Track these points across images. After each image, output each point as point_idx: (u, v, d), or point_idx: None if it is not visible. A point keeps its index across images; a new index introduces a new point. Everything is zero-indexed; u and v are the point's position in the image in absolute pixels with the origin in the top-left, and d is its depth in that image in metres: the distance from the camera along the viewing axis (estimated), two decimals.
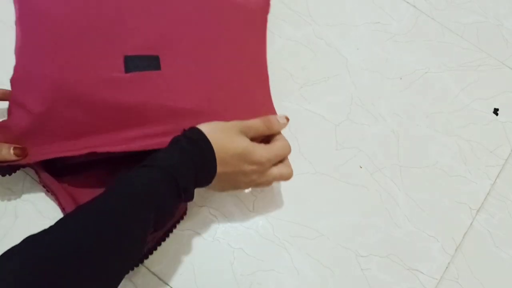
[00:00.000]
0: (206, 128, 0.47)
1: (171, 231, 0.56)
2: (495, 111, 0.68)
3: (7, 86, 0.59)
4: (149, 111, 0.53)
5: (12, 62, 0.59)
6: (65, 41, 0.53)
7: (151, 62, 0.55)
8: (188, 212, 0.58)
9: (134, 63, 0.54)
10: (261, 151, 0.49)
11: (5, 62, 0.62)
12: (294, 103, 0.65)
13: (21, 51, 0.55)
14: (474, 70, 0.70)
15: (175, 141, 0.47)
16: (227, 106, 0.56)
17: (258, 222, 0.59)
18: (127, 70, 0.53)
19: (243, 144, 0.48)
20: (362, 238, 0.59)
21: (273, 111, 0.61)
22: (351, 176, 0.62)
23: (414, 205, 0.62)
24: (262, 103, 0.60)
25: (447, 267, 0.59)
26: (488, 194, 0.63)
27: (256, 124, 0.52)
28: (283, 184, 0.60)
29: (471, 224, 0.62)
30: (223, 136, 0.47)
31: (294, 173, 0.61)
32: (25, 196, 0.55)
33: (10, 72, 0.59)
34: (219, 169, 0.47)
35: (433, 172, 0.64)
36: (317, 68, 0.68)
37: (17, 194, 0.55)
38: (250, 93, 0.59)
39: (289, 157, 0.62)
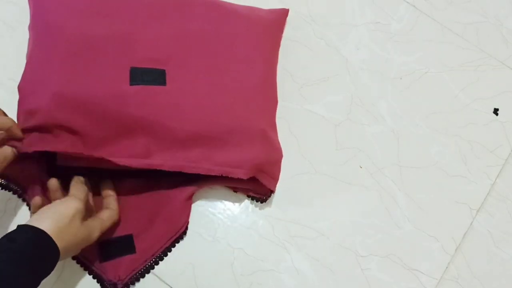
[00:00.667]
0: (53, 228, 0.45)
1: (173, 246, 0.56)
2: (495, 111, 0.68)
3: (7, 86, 0.59)
4: (150, 126, 0.53)
5: (12, 62, 0.60)
6: (73, 53, 0.53)
7: (157, 76, 0.54)
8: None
9: (139, 76, 0.54)
10: (97, 234, 0.50)
11: (5, 62, 0.62)
12: (294, 103, 0.65)
13: (30, 59, 0.54)
14: (474, 70, 0.70)
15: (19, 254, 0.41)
16: (228, 131, 0.55)
17: (258, 222, 0.59)
18: (132, 82, 0.53)
19: (83, 235, 0.48)
20: (362, 238, 0.59)
21: (275, 139, 0.60)
22: (351, 176, 0.62)
23: (414, 205, 0.62)
24: (265, 130, 0.58)
25: (447, 267, 0.59)
26: (488, 194, 0.63)
27: (82, 195, 0.51)
28: (283, 184, 0.60)
29: (471, 224, 0.62)
30: (69, 236, 0.46)
31: (294, 173, 0.61)
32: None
33: (10, 72, 0.60)
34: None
35: (433, 172, 0.64)
36: (317, 68, 0.68)
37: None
38: (254, 119, 0.58)
39: (289, 157, 0.62)
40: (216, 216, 0.58)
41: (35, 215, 0.47)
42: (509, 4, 0.75)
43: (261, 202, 0.59)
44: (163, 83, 0.54)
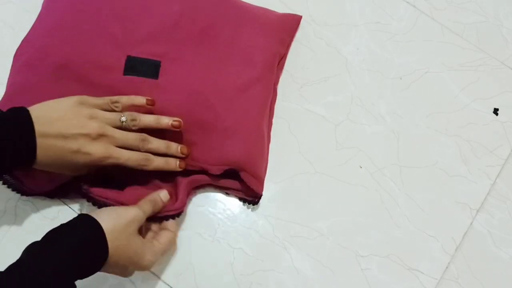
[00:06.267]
0: (107, 225, 0.43)
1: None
2: (495, 111, 0.68)
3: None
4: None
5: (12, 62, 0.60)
6: (78, 30, 0.56)
7: (151, 68, 0.55)
8: (188, 212, 0.58)
9: (134, 66, 0.55)
10: (150, 256, 0.47)
11: (5, 62, 0.62)
12: (294, 103, 0.65)
13: (36, 25, 0.58)
14: (474, 70, 0.70)
15: (68, 234, 0.42)
16: (209, 130, 0.55)
17: (258, 222, 0.59)
18: (126, 72, 0.54)
19: (136, 247, 0.45)
20: (362, 238, 0.59)
21: (261, 142, 0.58)
22: (351, 176, 0.62)
23: (414, 205, 0.62)
24: (249, 131, 0.57)
25: (447, 267, 0.59)
26: (488, 194, 0.63)
27: (147, 209, 0.48)
28: (283, 184, 0.60)
29: (471, 224, 0.62)
30: (122, 240, 0.44)
31: (294, 173, 0.61)
32: (25, 196, 0.55)
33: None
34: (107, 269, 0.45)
35: (433, 172, 0.64)
36: (317, 68, 0.68)
37: (17, 194, 0.55)
38: (238, 120, 0.57)
39: (289, 157, 0.62)
40: (216, 216, 0.58)
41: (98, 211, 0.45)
42: (509, 4, 0.75)
43: (253, 205, 0.58)
44: (156, 76, 0.55)
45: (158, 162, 0.51)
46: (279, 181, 0.60)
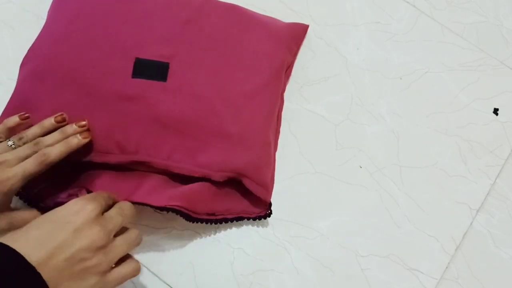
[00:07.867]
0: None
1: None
2: (495, 111, 0.68)
3: (7, 86, 0.59)
4: (141, 121, 0.54)
5: (12, 62, 0.60)
6: (86, 32, 0.56)
7: (159, 70, 0.55)
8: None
9: (142, 68, 0.55)
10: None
11: (5, 62, 0.62)
12: (294, 103, 0.65)
13: (41, 34, 0.58)
14: (474, 70, 0.70)
15: None
16: (214, 135, 0.55)
17: (258, 222, 0.59)
18: (134, 75, 0.54)
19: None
20: (362, 238, 0.59)
21: (266, 149, 0.57)
22: (351, 176, 0.62)
23: (414, 205, 0.62)
24: (254, 138, 0.56)
25: (447, 267, 0.59)
26: (488, 194, 0.63)
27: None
28: (283, 184, 0.60)
29: (471, 224, 0.62)
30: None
31: (294, 173, 0.61)
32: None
33: (9, 72, 0.60)
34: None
35: (433, 172, 0.64)
36: (317, 68, 0.68)
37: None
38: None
39: (289, 157, 0.62)
40: None
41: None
42: (509, 4, 0.75)
43: (259, 219, 0.57)
44: (164, 78, 0.55)
45: (57, 149, 0.48)
46: (279, 181, 0.60)
